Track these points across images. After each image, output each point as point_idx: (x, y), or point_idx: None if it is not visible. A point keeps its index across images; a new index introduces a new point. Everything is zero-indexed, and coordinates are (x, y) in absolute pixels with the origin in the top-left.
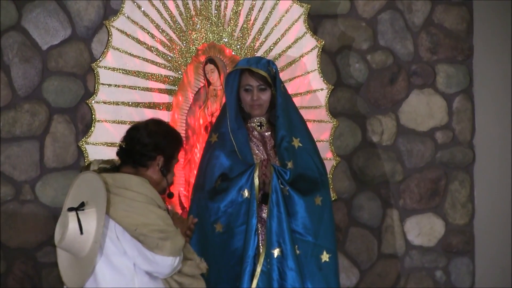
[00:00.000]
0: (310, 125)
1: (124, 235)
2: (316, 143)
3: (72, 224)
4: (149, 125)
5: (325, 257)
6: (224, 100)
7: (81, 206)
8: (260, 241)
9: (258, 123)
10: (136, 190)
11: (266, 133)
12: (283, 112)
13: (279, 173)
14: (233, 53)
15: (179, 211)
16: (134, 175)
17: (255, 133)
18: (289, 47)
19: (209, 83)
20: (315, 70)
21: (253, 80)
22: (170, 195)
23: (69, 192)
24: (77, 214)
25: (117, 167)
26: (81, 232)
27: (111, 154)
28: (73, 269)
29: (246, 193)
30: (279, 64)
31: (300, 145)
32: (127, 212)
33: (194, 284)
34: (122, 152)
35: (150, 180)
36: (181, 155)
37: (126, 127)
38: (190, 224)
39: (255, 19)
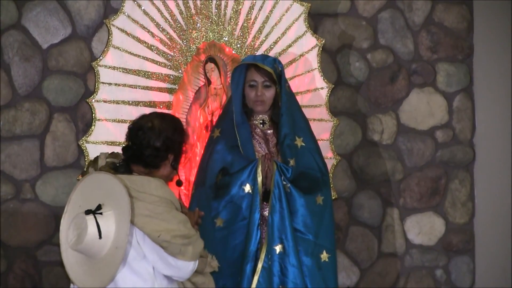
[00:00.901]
0: (310, 124)
1: (144, 240)
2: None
3: (92, 228)
4: (154, 124)
5: (324, 257)
6: (224, 99)
7: (98, 208)
8: (261, 238)
9: (261, 121)
10: (155, 193)
11: (269, 131)
12: (288, 111)
13: (281, 169)
14: (233, 52)
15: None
16: (148, 175)
17: (258, 130)
18: (290, 46)
19: (209, 82)
20: (315, 69)
21: (259, 76)
22: (179, 183)
23: (76, 188)
24: (95, 218)
25: (127, 163)
26: (100, 237)
27: None
28: (85, 270)
29: (247, 188)
30: None
31: (303, 144)
32: (149, 217)
33: (206, 282)
34: (129, 151)
35: (162, 177)
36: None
37: (127, 126)
38: (198, 218)
39: (256, 18)
